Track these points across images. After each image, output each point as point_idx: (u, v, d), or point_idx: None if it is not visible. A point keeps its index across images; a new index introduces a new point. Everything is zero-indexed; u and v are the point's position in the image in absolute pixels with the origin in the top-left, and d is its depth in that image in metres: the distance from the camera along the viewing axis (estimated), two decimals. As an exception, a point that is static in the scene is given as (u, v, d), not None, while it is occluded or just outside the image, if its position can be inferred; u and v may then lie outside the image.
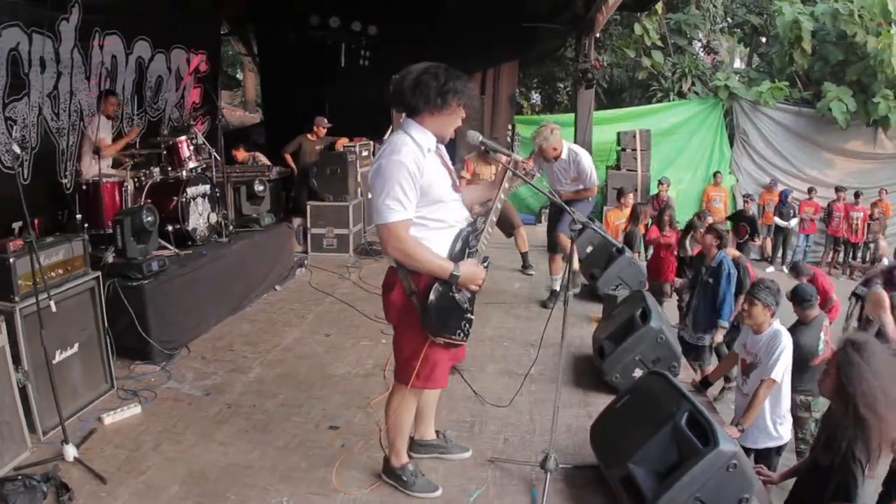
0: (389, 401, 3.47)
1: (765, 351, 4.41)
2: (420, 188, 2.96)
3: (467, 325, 3.16)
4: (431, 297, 2.99)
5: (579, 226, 3.45)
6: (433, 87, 2.96)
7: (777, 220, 14.60)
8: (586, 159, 6.57)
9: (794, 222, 14.54)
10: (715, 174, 15.21)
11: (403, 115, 3.09)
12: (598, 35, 12.94)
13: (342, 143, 9.76)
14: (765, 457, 4.54)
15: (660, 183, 13.28)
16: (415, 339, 3.15)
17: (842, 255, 15.18)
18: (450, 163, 3.26)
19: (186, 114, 8.61)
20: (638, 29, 16.34)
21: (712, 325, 6.45)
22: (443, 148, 3.21)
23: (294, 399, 4.68)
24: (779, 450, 4.60)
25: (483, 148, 3.38)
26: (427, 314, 3.02)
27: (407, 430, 3.55)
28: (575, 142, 13.36)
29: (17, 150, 3.84)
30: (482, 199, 3.57)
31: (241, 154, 10.02)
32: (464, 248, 3.12)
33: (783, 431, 4.53)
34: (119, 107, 7.73)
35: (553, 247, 7.00)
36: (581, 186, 6.60)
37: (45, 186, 6.88)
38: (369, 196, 2.72)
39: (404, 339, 3.24)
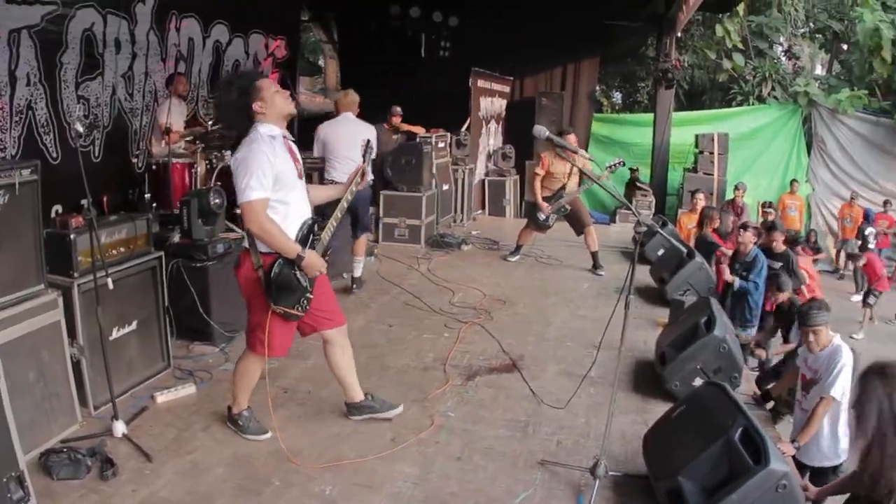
0: (239, 361, 3.85)
1: (825, 367, 4.23)
2: (275, 174, 3.35)
3: (305, 302, 3.58)
4: (275, 270, 3.43)
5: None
6: (233, 99, 3.42)
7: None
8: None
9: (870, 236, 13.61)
10: (792, 182, 14.57)
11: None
12: (679, 35, 12.73)
13: (419, 129, 9.66)
14: (821, 475, 4.37)
15: (736, 188, 12.76)
16: (260, 310, 3.57)
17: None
18: (297, 152, 3.61)
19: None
20: (719, 30, 15.99)
21: (747, 321, 6.43)
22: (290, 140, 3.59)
23: (349, 388, 4.60)
24: (835, 469, 4.39)
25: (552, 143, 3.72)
26: (269, 285, 3.45)
27: (248, 388, 3.87)
28: (653, 142, 13.01)
29: (79, 128, 3.86)
30: (331, 198, 3.92)
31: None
32: (308, 234, 3.54)
33: (841, 451, 4.35)
34: (189, 85, 7.83)
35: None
36: None
37: (117, 165, 7.04)
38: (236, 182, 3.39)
39: (252, 310, 3.65)
